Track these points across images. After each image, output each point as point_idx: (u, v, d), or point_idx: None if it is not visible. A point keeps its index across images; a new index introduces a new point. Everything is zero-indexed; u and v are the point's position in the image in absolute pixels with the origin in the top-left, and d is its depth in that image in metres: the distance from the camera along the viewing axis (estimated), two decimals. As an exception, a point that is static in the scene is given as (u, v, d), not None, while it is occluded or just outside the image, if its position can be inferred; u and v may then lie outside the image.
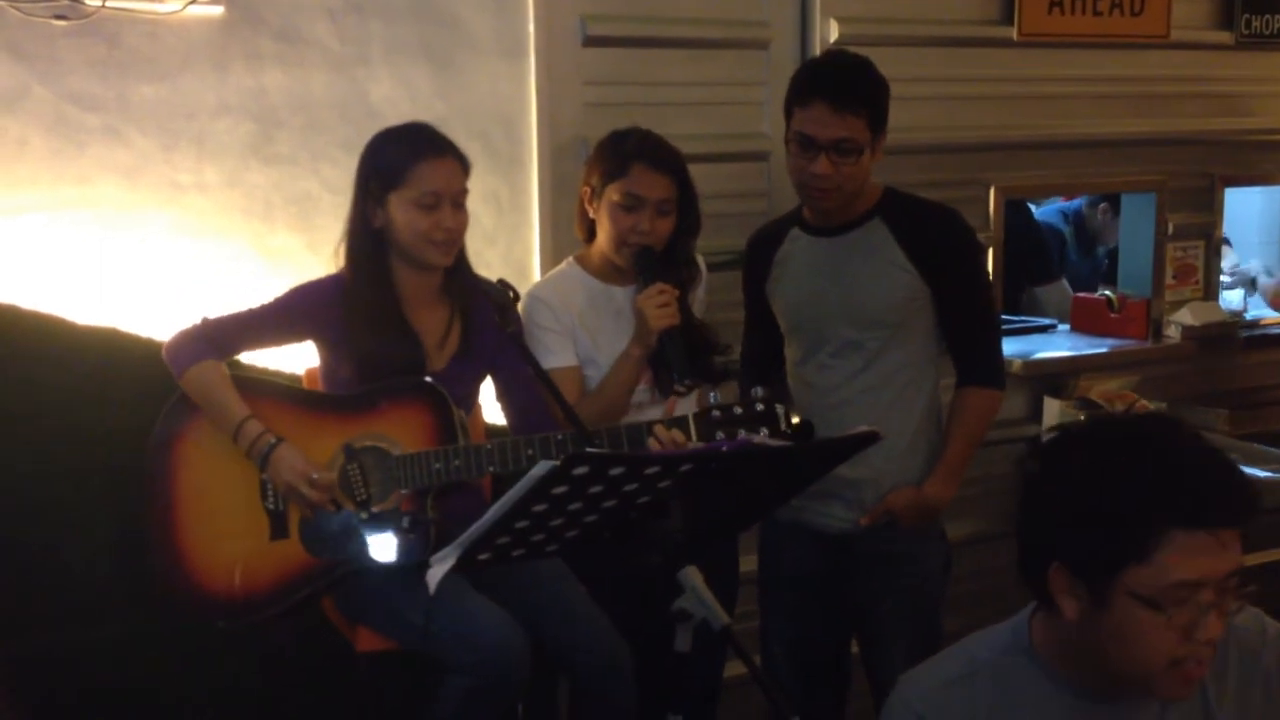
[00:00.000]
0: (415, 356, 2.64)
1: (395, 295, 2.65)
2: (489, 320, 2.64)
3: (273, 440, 2.54)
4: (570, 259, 2.98)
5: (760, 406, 2.52)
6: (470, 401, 2.78)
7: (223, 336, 2.62)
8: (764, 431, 2.50)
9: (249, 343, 2.68)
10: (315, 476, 2.54)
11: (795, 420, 2.52)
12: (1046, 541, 1.63)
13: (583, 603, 2.70)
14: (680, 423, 2.54)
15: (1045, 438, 1.78)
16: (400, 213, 2.60)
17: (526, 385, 2.74)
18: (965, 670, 1.74)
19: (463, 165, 2.67)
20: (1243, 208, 5.34)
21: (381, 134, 2.69)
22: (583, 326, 2.87)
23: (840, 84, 2.66)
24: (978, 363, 2.83)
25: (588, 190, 2.88)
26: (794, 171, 2.74)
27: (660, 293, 2.73)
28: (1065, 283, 4.97)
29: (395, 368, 2.62)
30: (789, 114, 2.73)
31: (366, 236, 2.64)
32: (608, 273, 2.91)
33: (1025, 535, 1.68)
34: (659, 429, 2.54)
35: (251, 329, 2.65)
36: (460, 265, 2.71)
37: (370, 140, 2.69)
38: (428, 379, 2.62)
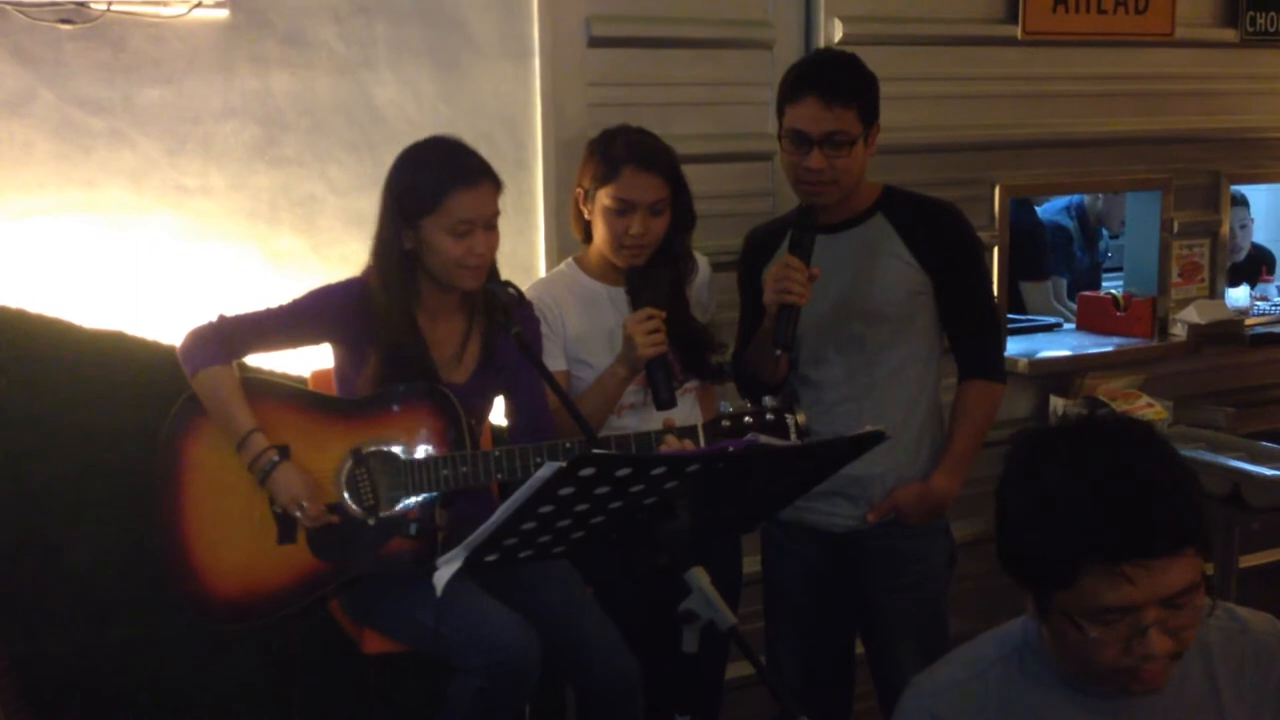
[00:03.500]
0: (427, 365, 2.63)
1: (414, 307, 2.63)
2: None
3: (274, 459, 2.53)
4: (569, 260, 2.98)
5: (771, 417, 2.52)
6: (485, 412, 2.78)
7: (239, 336, 2.60)
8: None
9: (266, 343, 2.66)
10: (306, 505, 2.53)
11: (801, 419, 2.52)
12: (1000, 551, 1.69)
13: (589, 609, 2.69)
14: (690, 432, 2.54)
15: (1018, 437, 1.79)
16: (433, 238, 2.56)
17: (528, 388, 2.75)
18: (977, 668, 1.74)
19: (495, 186, 2.61)
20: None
21: (412, 155, 2.63)
22: (573, 329, 2.87)
23: (830, 78, 2.69)
24: (979, 356, 2.85)
25: (580, 192, 2.87)
26: (788, 169, 2.75)
27: (649, 318, 2.68)
28: (1052, 285, 4.97)
29: (408, 375, 2.61)
30: (781, 113, 2.75)
31: (396, 255, 2.60)
32: (606, 273, 2.90)
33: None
34: (670, 439, 2.52)
35: (269, 329, 2.63)
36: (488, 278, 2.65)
37: (400, 159, 2.63)
38: (437, 385, 2.60)
